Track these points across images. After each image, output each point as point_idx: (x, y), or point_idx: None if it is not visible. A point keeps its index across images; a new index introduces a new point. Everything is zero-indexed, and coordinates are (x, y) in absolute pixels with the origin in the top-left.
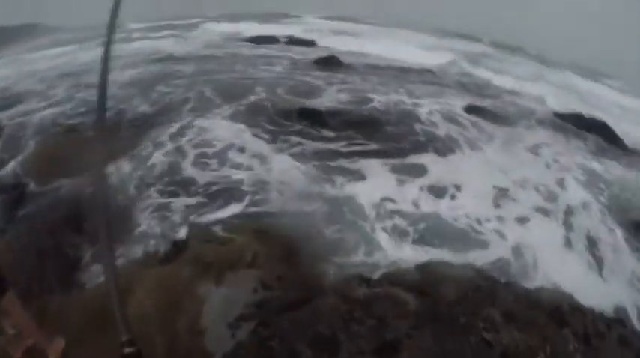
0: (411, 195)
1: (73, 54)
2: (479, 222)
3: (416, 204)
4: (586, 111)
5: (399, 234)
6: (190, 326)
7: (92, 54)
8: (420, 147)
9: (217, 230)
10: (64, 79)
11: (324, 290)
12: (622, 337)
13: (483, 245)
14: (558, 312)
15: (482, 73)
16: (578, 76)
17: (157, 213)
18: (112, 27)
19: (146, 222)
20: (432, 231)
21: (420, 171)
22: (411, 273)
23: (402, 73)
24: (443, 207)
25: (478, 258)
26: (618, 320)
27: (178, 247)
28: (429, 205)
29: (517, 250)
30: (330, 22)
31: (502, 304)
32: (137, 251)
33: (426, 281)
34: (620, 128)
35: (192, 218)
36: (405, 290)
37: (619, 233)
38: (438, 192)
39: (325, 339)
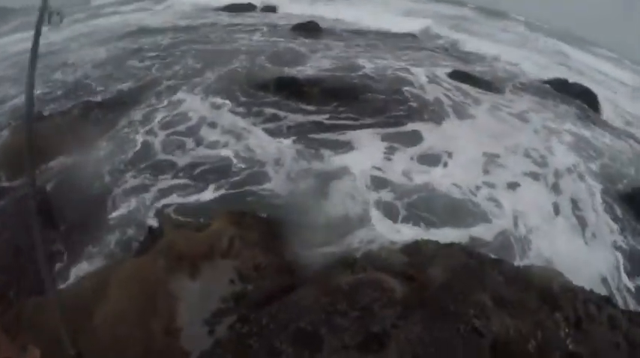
0: (401, 166)
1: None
2: (472, 192)
3: (408, 176)
4: (571, 77)
5: (389, 210)
6: (166, 325)
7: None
8: (409, 116)
9: (193, 214)
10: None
11: (306, 279)
12: (612, 318)
13: (483, 217)
14: (549, 294)
15: (465, 39)
16: (564, 43)
17: (131, 198)
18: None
19: (120, 208)
20: (424, 205)
21: (411, 139)
22: (397, 255)
23: (383, 38)
24: (436, 177)
25: (478, 231)
26: (607, 299)
27: (154, 235)
28: (421, 177)
29: (514, 219)
30: None
31: (492, 287)
32: (111, 240)
33: (413, 264)
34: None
35: (167, 202)
36: (391, 275)
37: (605, 199)
38: (430, 160)
39: (307, 335)
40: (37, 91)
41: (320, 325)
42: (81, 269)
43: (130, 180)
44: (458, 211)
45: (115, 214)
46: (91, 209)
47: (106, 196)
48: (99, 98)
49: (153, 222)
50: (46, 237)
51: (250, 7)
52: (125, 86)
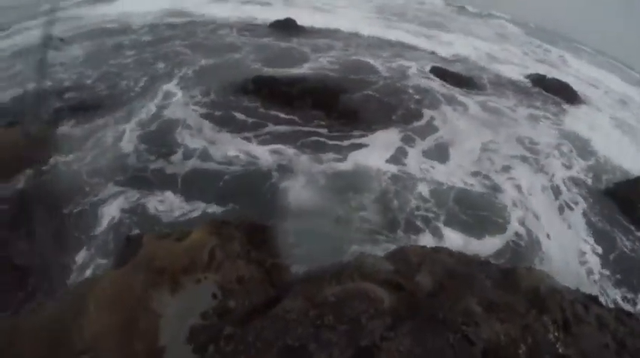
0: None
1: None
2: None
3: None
4: (549, 73)
5: (384, 212)
6: (149, 346)
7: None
8: (389, 116)
9: (172, 223)
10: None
11: (290, 290)
12: (599, 318)
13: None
14: (537, 296)
15: (442, 36)
16: (543, 41)
17: (108, 207)
18: None
19: (97, 217)
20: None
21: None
22: (383, 263)
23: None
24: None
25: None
26: (593, 298)
27: (132, 245)
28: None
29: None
30: None
31: (481, 291)
32: (89, 251)
33: (400, 272)
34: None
35: (145, 211)
36: (378, 283)
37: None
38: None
39: (295, 352)
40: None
41: (308, 340)
42: (57, 284)
43: (107, 188)
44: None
45: (91, 224)
46: (67, 219)
47: (81, 205)
48: (73, 100)
49: (131, 232)
50: (20, 249)
51: None
52: (99, 87)
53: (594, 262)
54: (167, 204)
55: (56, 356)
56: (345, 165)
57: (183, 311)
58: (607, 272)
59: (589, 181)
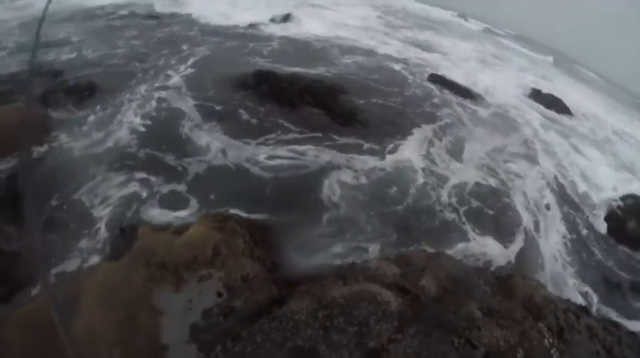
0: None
1: None
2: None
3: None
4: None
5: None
6: (149, 343)
7: None
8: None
9: (169, 215)
10: None
11: (296, 291)
12: (589, 328)
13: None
14: (533, 304)
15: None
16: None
17: (103, 195)
18: None
19: (91, 206)
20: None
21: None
22: (388, 266)
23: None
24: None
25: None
26: (584, 308)
27: (127, 237)
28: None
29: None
30: None
31: (480, 297)
32: (82, 240)
33: (404, 276)
34: None
35: (141, 200)
36: (384, 286)
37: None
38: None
39: (304, 353)
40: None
41: (318, 342)
42: (49, 274)
43: (102, 176)
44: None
45: (84, 211)
46: (59, 204)
47: (75, 191)
48: (73, 81)
49: (124, 222)
50: (6, 233)
51: None
52: (100, 69)
53: (580, 274)
54: (164, 195)
55: (47, 350)
56: (346, 163)
57: (187, 308)
58: (594, 285)
59: (574, 193)
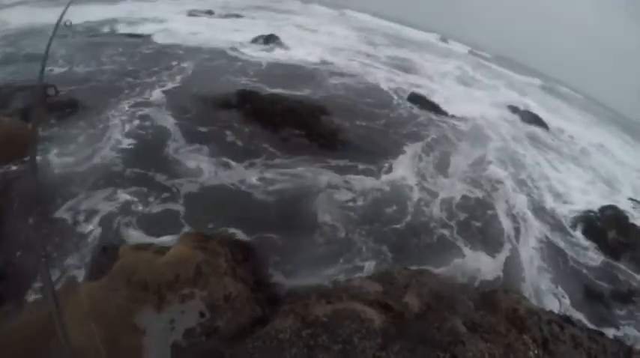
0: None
1: None
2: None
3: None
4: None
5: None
6: None
7: None
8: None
9: (150, 234)
10: None
11: (279, 311)
12: (574, 337)
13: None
14: (516, 317)
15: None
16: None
17: (88, 212)
18: None
19: (75, 224)
20: None
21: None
22: (371, 284)
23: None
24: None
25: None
26: (567, 318)
27: (108, 256)
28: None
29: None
30: None
31: (464, 312)
32: (61, 259)
33: (387, 293)
34: None
35: (123, 220)
36: (367, 304)
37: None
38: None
39: None
40: None
41: None
42: (26, 293)
43: (86, 193)
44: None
45: (66, 228)
46: (41, 220)
47: (58, 207)
48: (63, 97)
49: (107, 241)
50: None
51: None
52: (82, 89)
53: (561, 284)
54: (147, 215)
55: None
56: (330, 181)
57: (169, 328)
58: (576, 295)
59: (552, 205)
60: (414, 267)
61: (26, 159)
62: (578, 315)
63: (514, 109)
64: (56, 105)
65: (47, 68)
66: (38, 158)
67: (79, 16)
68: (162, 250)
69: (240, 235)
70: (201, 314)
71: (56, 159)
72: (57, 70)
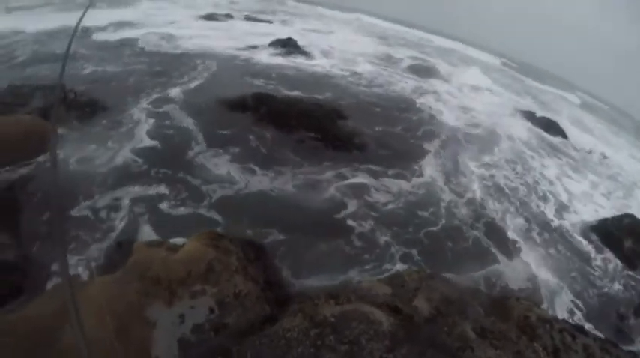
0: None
1: None
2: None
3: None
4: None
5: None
6: (140, 356)
7: None
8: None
9: (165, 231)
10: None
11: (288, 310)
12: (586, 347)
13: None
14: (528, 324)
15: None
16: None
17: (100, 209)
18: None
19: (87, 219)
20: None
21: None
22: (380, 287)
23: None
24: None
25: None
26: (580, 328)
27: (123, 252)
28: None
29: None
30: None
31: (474, 317)
32: (75, 253)
33: (397, 295)
34: None
35: (138, 216)
36: (376, 306)
37: None
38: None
39: None
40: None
41: None
42: (40, 285)
43: (103, 192)
44: None
45: (82, 224)
46: (57, 216)
47: (75, 205)
48: (83, 97)
49: (121, 237)
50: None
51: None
52: (109, 87)
53: (575, 293)
54: (161, 212)
55: None
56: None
57: (179, 323)
58: (589, 304)
59: (568, 212)
60: (449, 274)
61: (46, 155)
62: (590, 325)
63: (530, 116)
64: (75, 104)
65: (67, 68)
66: (58, 155)
67: (97, 20)
68: (175, 248)
69: (254, 235)
70: (211, 310)
71: (74, 156)
72: (76, 71)
